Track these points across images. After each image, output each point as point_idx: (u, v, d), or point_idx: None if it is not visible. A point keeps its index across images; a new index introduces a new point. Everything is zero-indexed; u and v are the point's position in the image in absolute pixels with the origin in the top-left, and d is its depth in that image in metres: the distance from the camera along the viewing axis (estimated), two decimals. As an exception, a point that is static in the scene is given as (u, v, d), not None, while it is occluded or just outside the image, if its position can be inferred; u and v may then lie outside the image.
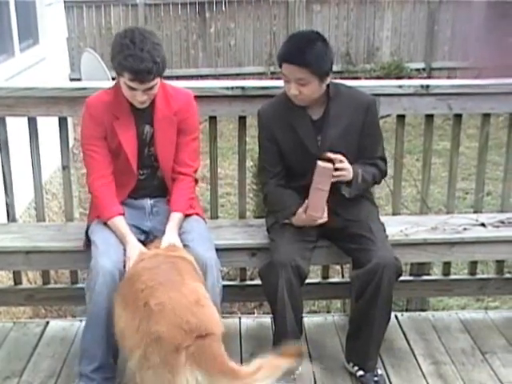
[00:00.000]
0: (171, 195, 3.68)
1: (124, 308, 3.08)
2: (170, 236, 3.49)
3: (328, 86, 3.63)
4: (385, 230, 3.71)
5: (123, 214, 3.55)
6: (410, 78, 12.46)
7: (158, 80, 3.43)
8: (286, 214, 3.65)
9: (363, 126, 3.69)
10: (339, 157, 3.52)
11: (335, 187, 3.54)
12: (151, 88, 3.42)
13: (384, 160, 3.83)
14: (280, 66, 3.60)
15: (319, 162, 3.46)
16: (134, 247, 3.41)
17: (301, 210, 3.56)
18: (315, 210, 3.51)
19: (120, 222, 3.51)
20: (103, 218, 3.55)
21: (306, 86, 3.52)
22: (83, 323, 4.17)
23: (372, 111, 3.73)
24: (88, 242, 3.62)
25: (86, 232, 3.67)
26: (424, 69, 13.99)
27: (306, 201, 3.52)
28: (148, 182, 3.71)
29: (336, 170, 3.50)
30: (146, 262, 3.23)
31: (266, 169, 3.80)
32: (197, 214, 3.72)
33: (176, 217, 3.59)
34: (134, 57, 3.31)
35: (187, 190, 3.70)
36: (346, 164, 3.53)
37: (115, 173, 3.63)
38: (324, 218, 3.55)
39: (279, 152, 3.72)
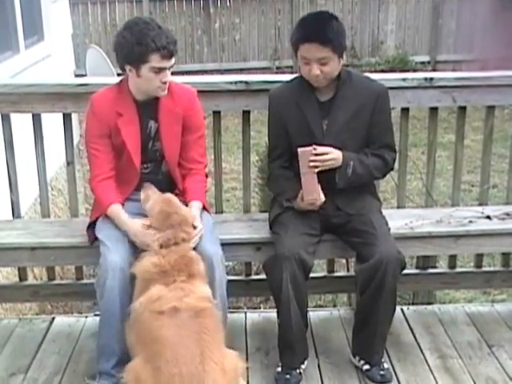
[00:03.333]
0: (185, 188, 3.70)
1: (142, 364, 3.02)
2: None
3: (342, 69, 3.64)
4: (387, 224, 3.69)
5: (122, 204, 3.57)
6: (414, 71, 12.43)
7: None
8: (282, 199, 3.72)
9: (372, 113, 3.67)
10: (323, 149, 3.56)
11: (330, 176, 3.58)
12: (172, 66, 3.47)
13: (393, 150, 3.81)
14: (296, 50, 3.57)
15: (298, 148, 3.52)
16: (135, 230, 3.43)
17: (298, 199, 3.60)
18: (309, 193, 3.55)
19: (117, 209, 3.53)
20: (103, 210, 3.57)
21: (328, 65, 3.52)
22: (89, 319, 4.23)
23: (382, 100, 3.71)
24: (92, 238, 3.65)
25: (88, 228, 3.69)
26: (429, 62, 13.97)
27: (301, 191, 3.57)
28: (152, 175, 3.72)
29: (322, 161, 3.53)
30: (167, 324, 3.02)
31: (272, 150, 3.85)
32: (206, 210, 3.73)
33: (197, 204, 3.61)
34: (159, 34, 3.38)
35: (202, 183, 3.74)
36: (330, 154, 3.55)
37: (119, 170, 3.65)
38: (321, 199, 3.57)
39: (285, 134, 3.73)
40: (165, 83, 3.48)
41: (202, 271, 3.28)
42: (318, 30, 3.51)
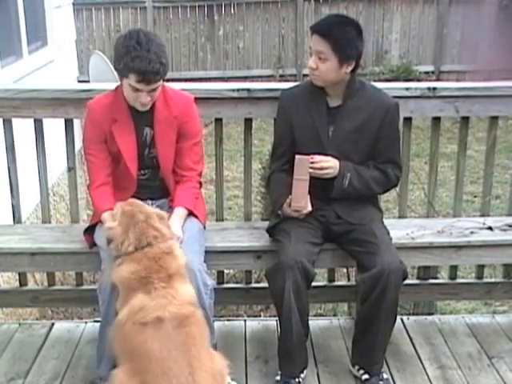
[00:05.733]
0: (175, 194, 3.68)
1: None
2: (173, 226, 3.46)
3: (354, 78, 3.65)
4: (389, 234, 3.69)
5: None
6: (418, 80, 12.44)
7: (161, 82, 3.45)
8: (276, 206, 3.73)
9: (379, 127, 3.67)
10: (320, 157, 3.58)
11: (327, 185, 3.59)
12: (155, 89, 3.45)
13: (398, 168, 3.81)
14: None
15: (296, 155, 3.53)
16: None
17: (285, 205, 3.62)
18: (297, 200, 3.56)
19: (109, 217, 3.50)
20: (97, 216, 3.59)
21: (324, 63, 3.54)
22: (88, 325, 4.22)
23: (392, 114, 3.71)
24: (91, 242, 3.66)
25: (88, 232, 3.71)
26: (433, 72, 13.95)
27: (290, 196, 3.57)
28: (150, 181, 3.72)
29: (320, 169, 3.55)
30: (151, 337, 2.96)
31: (275, 148, 3.86)
32: (196, 217, 3.68)
33: (179, 211, 3.59)
34: (142, 58, 3.32)
35: (191, 190, 3.71)
36: (327, 162, 3.58)
37: (117, 176, 3.66)
38: (308, 209, 3.58)
39: (291, 134, 3.74)
40: (143, 103, 3.48)
41: (181, 267, 3.19)
42: (326, 25, 3.58)
